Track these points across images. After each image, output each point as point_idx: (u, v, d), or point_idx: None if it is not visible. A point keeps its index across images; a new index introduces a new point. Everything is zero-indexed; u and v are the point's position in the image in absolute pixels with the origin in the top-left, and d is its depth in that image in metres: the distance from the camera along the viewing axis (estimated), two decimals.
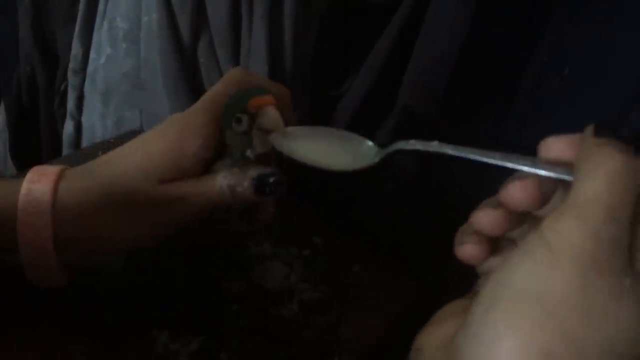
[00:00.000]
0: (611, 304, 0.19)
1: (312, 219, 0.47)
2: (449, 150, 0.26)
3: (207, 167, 0.35)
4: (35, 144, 0.71)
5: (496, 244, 0.26)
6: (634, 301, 0.20)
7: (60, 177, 0.32)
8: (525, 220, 0.25)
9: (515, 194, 0.23)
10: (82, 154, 0.52)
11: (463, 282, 0.47)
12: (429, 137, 0.44)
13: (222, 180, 0.33)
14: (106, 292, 0.37)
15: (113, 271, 0.37)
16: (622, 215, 0.20)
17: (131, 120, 0.55)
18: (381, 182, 0.48)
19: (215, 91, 0.35)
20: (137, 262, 0.38)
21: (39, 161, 0.59)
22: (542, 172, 0.23)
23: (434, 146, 0.26)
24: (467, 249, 0.27)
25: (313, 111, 0.50)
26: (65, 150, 0.63)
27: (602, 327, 0.19)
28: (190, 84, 0.47)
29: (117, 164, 0.34)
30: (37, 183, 0.31)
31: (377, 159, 0.30)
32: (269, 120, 0.32)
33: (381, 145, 0.30)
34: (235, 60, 0.45)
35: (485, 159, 0.25)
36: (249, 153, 0.34)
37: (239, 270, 0.42)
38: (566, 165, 0.23)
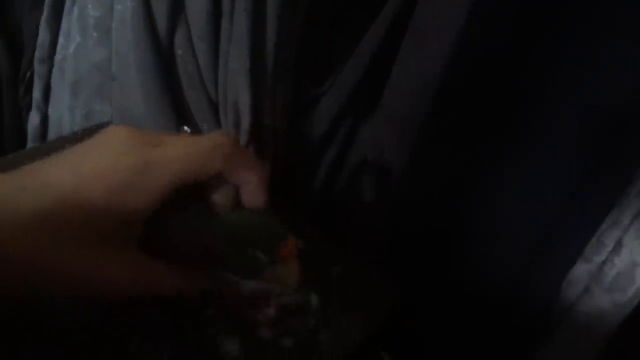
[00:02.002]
0: None
1: (291, 220, 0.46)
2: None
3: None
4: None
5: None
6: None
7: None
8: None
9: None
10: (48, 147, 0.49)
11: (446, 286, 0.47)
12: (416, 140, 0.43)
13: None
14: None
15: None
16: None
17: (101, 113, 0.53)
18: (364, 185, 0.47)
19: (194, 156, 0.30)
20: None
21: (1, 153, 0.55)
22: None
23: None
24: None
25: (295, 109, 0.49)
26: (30, 143, 0.60)
27: None
28: (165, 77, 0.45)
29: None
30: None
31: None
32: (289, 277, 0.32)
33: None
34: (215, 54, 0.44)
35: None
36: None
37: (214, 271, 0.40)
38: None
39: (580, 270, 0.44)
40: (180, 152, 0.30)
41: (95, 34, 0.48)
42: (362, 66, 0.45)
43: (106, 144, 0.30)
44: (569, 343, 0.46)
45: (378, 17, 0.43)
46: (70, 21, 0.51)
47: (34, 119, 0.58)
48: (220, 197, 0.32)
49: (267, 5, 0.42)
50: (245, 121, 0.45)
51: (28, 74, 0.60)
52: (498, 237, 0.43)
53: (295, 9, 0.44)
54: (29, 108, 0.60)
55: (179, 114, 0.46)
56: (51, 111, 0.56)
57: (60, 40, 0.53)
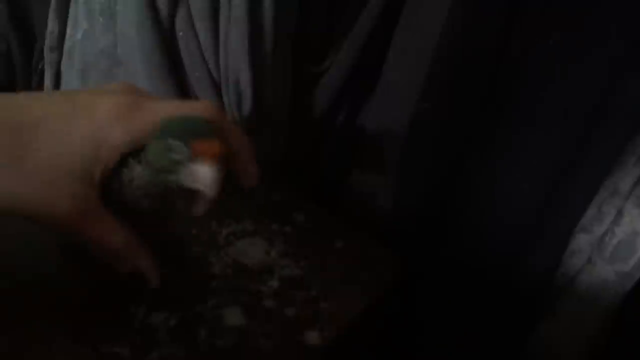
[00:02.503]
0: None
1: (294, 196, 0.47)
2: None
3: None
4: None
5: None
6: None
7: None
8: None
9: None
10: None
11: (446, 259, 0.47)
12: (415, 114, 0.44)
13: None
14: (79, 268, 0.37)
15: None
16: None
17: None
18: (367, 161, 0.48)
19: (181, 108, 0.32)
20: None
21: None
22: None
23: None
24: None
25: (294, 89, 0.50)
26: None
27: None
28: (168, 57, 0.46)
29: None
30: None
31: None
32: (202, 178, 0.28)
33: None
34: (215, 34, 0.45)
35: None
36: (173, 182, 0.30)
37: (218, 247, 0.41)
38: None
39: (582, 241, 0.44)
40: (169, 103, 0.32)
41: (101, 19, 0.49)
42: (361, 44, 0.46)
43: (106, 86, 0.33)
44: (572, 314, 0.46)
45: None
46: (77, 9, 0.52)
47: None
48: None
49: None
50: (247, 100, 0.46)
51: (41, 64, 0.62)
52: (497, 208, 0.43)
53: None
54: None
55: (183, 94, 0.47)
56: None
57: (68, 28, 0.54)
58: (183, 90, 0.48)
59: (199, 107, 0.32)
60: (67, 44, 0.55)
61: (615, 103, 0.36)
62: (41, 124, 0.29)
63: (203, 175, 0.28)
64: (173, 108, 0.31)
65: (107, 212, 0.31)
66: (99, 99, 0.31)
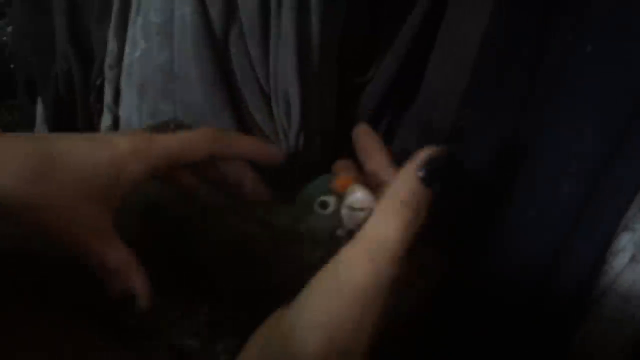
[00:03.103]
0: None
1: None
2: None
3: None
4: None
5: None
6: None
7: None
8: None
9: None
10: None
11: (488, 255, 0.48)
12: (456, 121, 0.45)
13: None
14: None
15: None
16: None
17: (165, 111, 0.58)
18: None
19: (185, 139, 0.37)
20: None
21: None
22: None
23: None
24: None
25: (339, 99, 0.52)
26: None
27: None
28: (222, 72, 0.49)
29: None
30: None
31: None
32: (362, 199, 0.33)
33: None
34: (265, 49, 0.48)
35: None
36: (339, 232, 0.34)
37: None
38: None
39: (625, 240, 0.45)
40: (172, 136, 0.37)
41: (158, 38, 0.53)
42: (403, 53, 0.48)
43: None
44: (616, 313, 0.47)
45: (415, 8, 0.46)
46: (135, 29, 0.56)
47: (106, 120, 0.63)
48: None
49: (311, 3, 0.46)
50: (296, 110, 0.49)
51: (98, 82, 0.66)
52: (537, 209, 0.44)
53: (337, 5, 0.47)
54: (100, 113, 0.66)
55: (235, 106, 0.51)
56: (121, 112, 0.62)
57: (127, 47, 0.58)
58: (235, 102, 0.51)
59: (198, 136, 0.37)
60: (126, 61, 0.59)
61: None
62: (66, 154, 0.34)
63: (360, 197, 0.33)
64: (174, 141, 0.36)
65: (115, 235, 0.35)
66: (117, 137, 0.36)
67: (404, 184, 0.31)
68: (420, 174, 0.31)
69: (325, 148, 0.52)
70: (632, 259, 0.46)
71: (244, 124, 0.53)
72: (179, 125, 0.45)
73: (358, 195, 0.33)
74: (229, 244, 0.38)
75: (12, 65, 0.83)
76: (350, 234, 0.33)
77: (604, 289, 0.47)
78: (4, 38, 0.83)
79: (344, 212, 0.34)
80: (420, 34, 0.47)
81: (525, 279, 0.47)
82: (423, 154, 0.32)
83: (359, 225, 0.33)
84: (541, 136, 0.42)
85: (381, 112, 0.52)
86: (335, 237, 0.34)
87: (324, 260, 0.31)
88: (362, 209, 0.33)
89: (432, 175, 0.31)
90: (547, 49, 0.41)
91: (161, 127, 0.44)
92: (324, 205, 0.34)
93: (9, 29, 0.82)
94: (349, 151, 0.54)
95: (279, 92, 0.49)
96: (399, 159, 0.53)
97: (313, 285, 0.30)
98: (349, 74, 0.51)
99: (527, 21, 0.41)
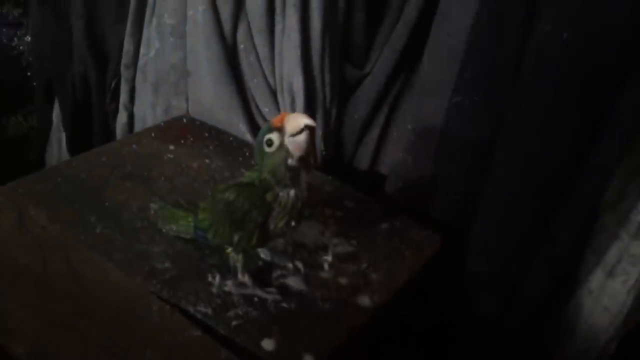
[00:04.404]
0: None
1: (343, 186, 0.52)
2: None
3: None
4: (88, 138, 0.77)
5: None
6: None
7: None
8: None
9: None
10: (136, 137, 0.58)
11: (480, 235, 0.51)
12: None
13: None
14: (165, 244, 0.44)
15: None
16: None
17: (177, 107, 0.62)
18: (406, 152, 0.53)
19: None
20: None
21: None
22: None
23: None
24: None
25: (340, 91, 0.56)
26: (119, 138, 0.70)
27: None
28: (231, 67, 0.53)
29: None
30: None
31: None
32: (297, 122, 0.35)
33: None
34: (271, 45, 0.51)
35: None
36: (290, 161, 0.36)
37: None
38: None
39: (608, 218, 0.48)
40: None
41: (171, 39, 0.57)
42: (399, 48, 0.52)
43: None
44: (604, 288, 0.50)
45: (408, 4, 0.50)
46: (149, 30, 0.60)
47: (121, 118, 0.67)
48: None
49: (312, 1, 0.49)
50: (300, 102, 0.53)
51: (114, 83, 0.70)
52: (522, 188, 0.47)
53: (337, 3, 0.51)
54: (115, 113, 0.70)
55: (243, 99, 0.54)
56: (136, 109, 0.66)
57: (142, 47, 0.62)
58: (243, 96, 0.55)
59: None
60: (141, 61, 0.63)
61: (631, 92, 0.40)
62: None
63: (295, 121, 0.35)
64: None
65: None
66: None
67: None
68: None
69: (327, 138, 0.55)
70: (616, 237, 0.48)
71: (251, 116, 0.56)
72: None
73: (292, 120, 0.35)
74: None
75: (29, 73, 0.86)
76: (301, 161, 0.36)
77: (592, 264, 0.50)
78: (21, 47, 0.87)
79: (288, 141, 0.36)
80: (414, 28, 0.51)
81: (514, 253, 0.50)
82: None
83: (304, 150, 0.35)
84: (524, 122, 0.45)
85: (380, 100, 0.55)
86: (288, 168, 0.36)
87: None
88: (300, 131, 0.35)
89: None
90: (526, 43, 0.45)
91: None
92: (270, 143, 0.36)
93: (27, 38, 0.86)
94: (349, 139, 0.57)
95: (284, 86, 0.53)
96: (395, 154, 0.56)
97: None
98: (348, 68, 0.55)
99: (508, 19, 0.45)
